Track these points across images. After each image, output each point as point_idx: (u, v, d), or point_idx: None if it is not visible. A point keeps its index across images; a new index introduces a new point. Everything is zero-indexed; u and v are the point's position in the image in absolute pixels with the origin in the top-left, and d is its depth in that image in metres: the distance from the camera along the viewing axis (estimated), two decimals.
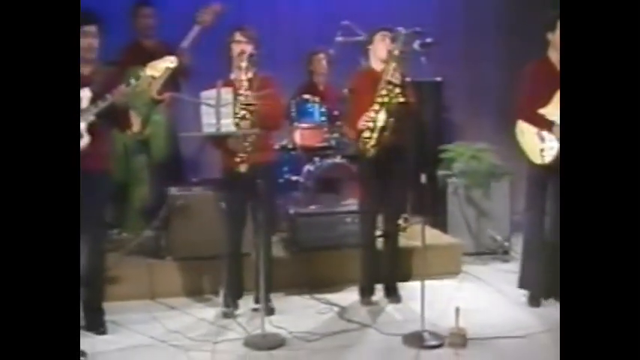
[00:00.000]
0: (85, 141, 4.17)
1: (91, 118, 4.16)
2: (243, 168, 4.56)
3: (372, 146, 4.74)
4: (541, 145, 4.74)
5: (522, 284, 5.07)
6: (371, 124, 4.71)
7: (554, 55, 4.70)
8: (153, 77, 4.25)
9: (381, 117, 4.69)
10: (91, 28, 4.22)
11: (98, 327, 4.46)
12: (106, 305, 4.60)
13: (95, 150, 4.21)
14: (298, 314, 4.83)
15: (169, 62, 4.25)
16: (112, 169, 4.69)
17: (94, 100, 4.17)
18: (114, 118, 4.32)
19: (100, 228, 4.55)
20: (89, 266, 4.43)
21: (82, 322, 4.47)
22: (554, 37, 4.64)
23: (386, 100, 4.67)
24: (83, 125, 4.16)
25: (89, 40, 4.22)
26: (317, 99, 5.96)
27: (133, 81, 4.16)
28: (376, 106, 4.70)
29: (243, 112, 4.51)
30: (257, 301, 4.71)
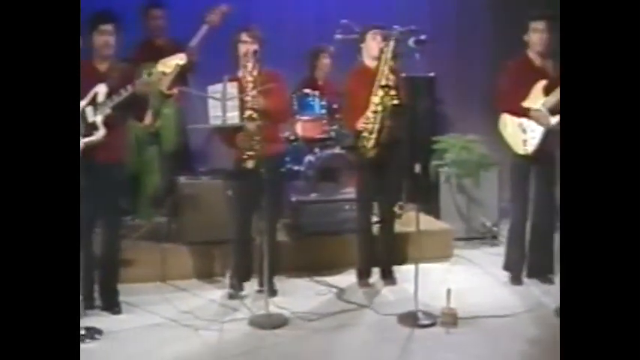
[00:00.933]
0: (100, 133, 4.19)
1: (107, 111, 4.18)
2: (250, 164, 4.55)
3: (372, 147, 4.76)
4: (523, 137, 4.81)
5: (507, 266, 5.12)
6: (370, 126, 4.73)
7: (532, 54, 4.84)
8: (164, 73, 4.28)
9: (379, 119, 4.71)
10: (108, 27, 4.24)
11: (113, 307, 4.49)
12: (121, 287, 4.63)
13: (110, 142, 4.23)
14: (300, 296, 4.86)
15: (179, 59, 4.28)
16: (126, 160, 4.71)
17: (109, 95, 4.18)
18: (132, 109, 4.33)
19: (115, 215, 4.57)
20: (104, 250, 4.46)
21: (98, 303, 4.52)
22: (529, 38, 4.82)
23: (381, 106, 4.69)
24: (100, 118, 4.18)
25: (106, 37, 4.24)
26: (317, 93, 5.96)
27: (145, 76, 4.18)
28: (373, 107, 4.71)
29: (249, 112, 4.49)
30: (261, 284, 4.73)
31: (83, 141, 4.14)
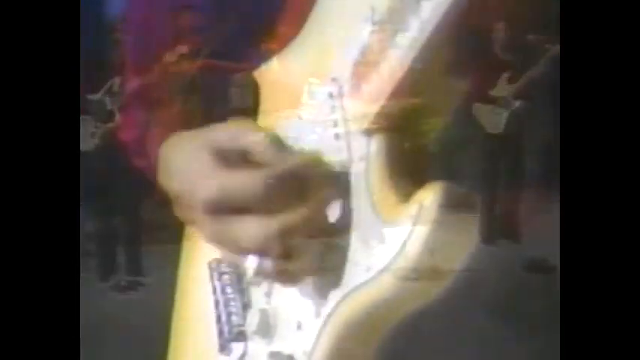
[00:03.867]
0: (117, 119, 4.12)
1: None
2: None
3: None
4: (493, 119, 4.90)
5: (481, 229, 5.14)
6: None
7: (496, 49, 4.88)
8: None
9: None
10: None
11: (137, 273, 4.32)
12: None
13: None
14: None
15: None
16: None
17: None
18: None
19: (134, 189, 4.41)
20: (125, 221, 4.31)
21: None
22: (493, 36, 4.84)
23: None
24: (116, 106, 4.13)
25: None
26: None
27: None
28: None
29: None
30: None
31: (104, 127, 4.13)
